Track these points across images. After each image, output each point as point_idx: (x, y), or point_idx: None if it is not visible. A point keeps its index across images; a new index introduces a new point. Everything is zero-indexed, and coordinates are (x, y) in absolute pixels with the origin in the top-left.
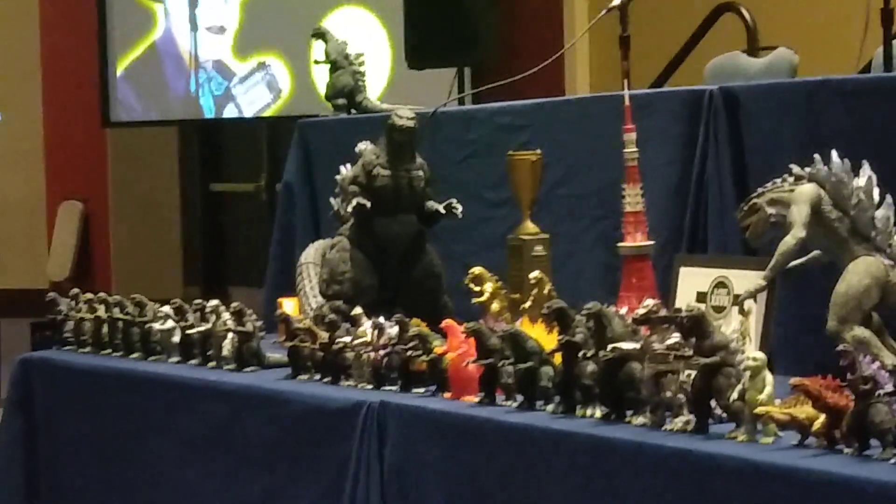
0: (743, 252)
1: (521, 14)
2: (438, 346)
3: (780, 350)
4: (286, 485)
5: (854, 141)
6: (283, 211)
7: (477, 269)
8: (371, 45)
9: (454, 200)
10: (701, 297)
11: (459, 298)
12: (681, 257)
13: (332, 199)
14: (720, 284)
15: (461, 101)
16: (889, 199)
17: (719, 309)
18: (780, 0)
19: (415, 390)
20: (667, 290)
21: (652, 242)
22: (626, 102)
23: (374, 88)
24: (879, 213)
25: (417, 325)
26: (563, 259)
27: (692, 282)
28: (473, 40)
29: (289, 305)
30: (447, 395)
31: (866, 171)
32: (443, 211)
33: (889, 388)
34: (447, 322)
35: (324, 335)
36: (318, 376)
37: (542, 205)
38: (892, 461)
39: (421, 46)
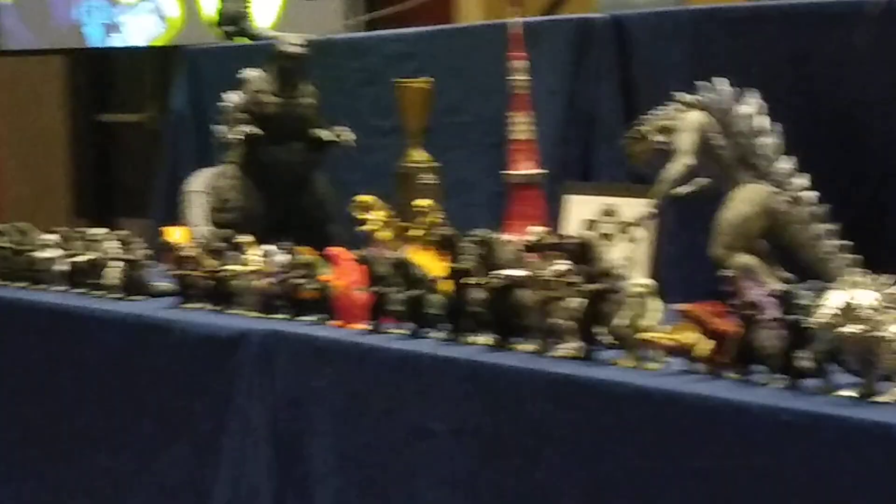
0: (631, 180)
1: None
2: (326, 273)
3: (669, 277)
4: (178, 414)
5: (741, 69)
6: (172, 140)
7: (365, 197)
8: None
9: (344, 128)
10: (589, 224)
11: (350, 227)
12: (569, 185)
13: (218, 127)
14: (608, 212)
15: (351, 29)
16: (774, 126)
17: (607, 236)
18: None
19: (303, 318)
20: (555, 218)
21: (540, 171)
22: (515, 30)
23: (267, 16)
24: (765, 141)
25: (306, 253)
26: (453, 187)
27: (580, 209)
28: None
29: (176, 234)
30: (335, 322)
31: (752, 98)
32: (332, 139)
33: (773, 313)
34: (335, 250)
35: (212, 263)
36: (206, 305)
37: (432, 133)
38: (776, 385)
39: None
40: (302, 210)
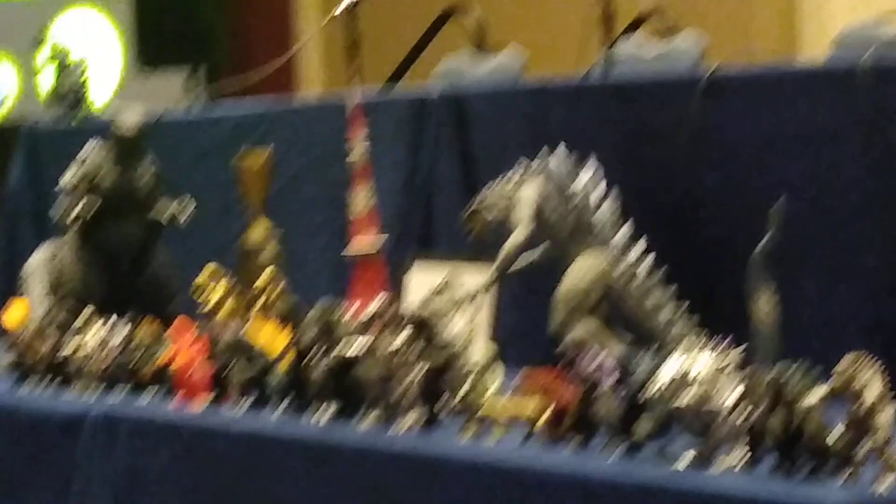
0: (473, 251)
1: (253, 14)
2: (167, 350)
3: (511, 346)
4: (18, 495)
5: (578, 141)
6: (9, 218)
7: (208, 271)
8: (103, 45)
9: (183, 202)
10: (430, 297)
11: (194, 301)
12: (412, 256)
13: (57, 204)
14: (449, 284)
15: (193, 102)
16: (611, 195)
17: (450, 307)
18: (511, 2)
19: (144, 395)
20: (398, 290)
21: (381, 243)
22: (353, 105)
23: (106, 90)
24: (602, 211)
25: (146, 329)
26: (296, 259)
27: (423, 280)
28: (205, 40)
29: (15, 311)
30: (177, 398)
31: (589, 168)
32: (171, 214)
33: (611, 383)
34: (176, 324)
35: (50, 342)
36: (44, 383)
37: (275, 205)
38: (614, 454)
39: (152, 46)
40: (143, 285)
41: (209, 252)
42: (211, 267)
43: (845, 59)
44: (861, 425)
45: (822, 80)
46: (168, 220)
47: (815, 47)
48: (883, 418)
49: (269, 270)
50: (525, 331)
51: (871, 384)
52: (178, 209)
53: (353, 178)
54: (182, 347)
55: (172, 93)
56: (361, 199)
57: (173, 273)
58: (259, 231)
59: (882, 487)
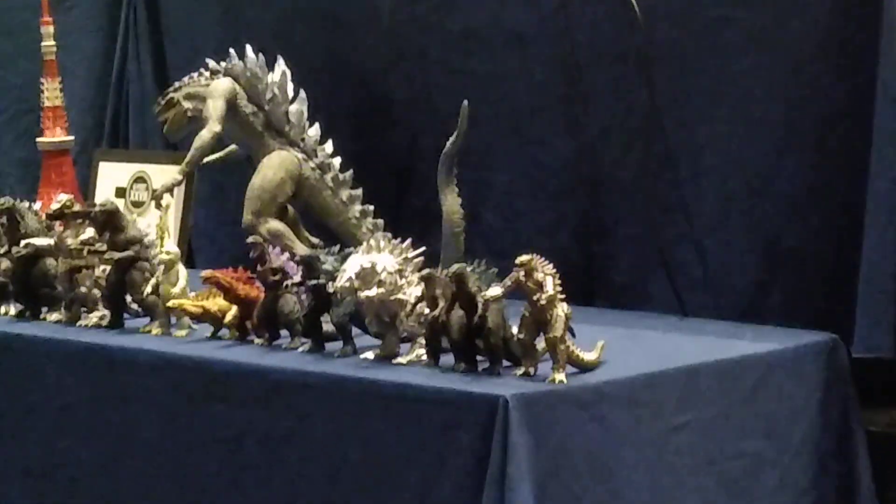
0: (165, 147)
1: None
2: None
3: (200, 244)
4: None
5: (271, 35)
6: None
7: None
8: None
9: None
10: (120, 192)
11: None
12: (100, 152)
13: None
14: (139, 179)
15: None
16: (302, 93)
17: (138, 204)
18: None
19: None
20: (88, 186)
21: (71, 137)
22: None
23: None
24: (293, 108)
25: None
26: None
27: (112, 177)
28: None
29: None
30: None
31: (281, 65)
32: None
33: (297, 278)
34: None
35: None
36: None
37: None
38: (299, 349)
39: None
40: None
41: None
42: None
43: None
44: (539, 318)
45: None
46: None
47: None
48: (557, 313)
49: None
50: (214, 230)
51: (545, 283)
52: None
53: (43, 72)
54: None
55: None
56: (51, 93)
57: None
58: None
59: (557, 381)
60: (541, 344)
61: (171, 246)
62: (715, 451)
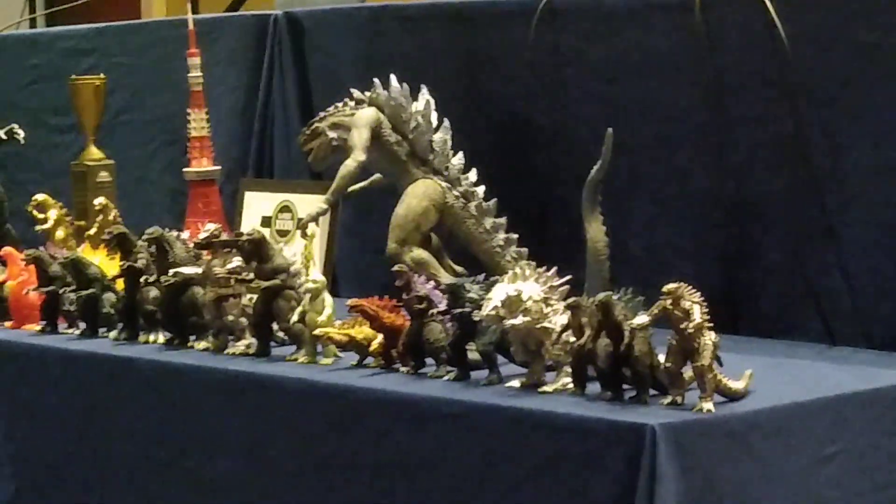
0: (308, 177)
1: None
2: None
3: (344, 273)
4: None
5: (414, 65)
6: None
7: (40, 196)
8: None
9: (15, 126)
10: (266, 221)
11: (25, 226)
12: (246, 182)
13: None
14: (285, 209)
15: (30, 24)
16: (446, 122)
17: (284, 233)
18: None
19: None
20: (234, 216)
21: (217, 167)
22: (190, 27)
23: None
24: (437, 137)
25: None
26: (130, 186)
27: (258, 206)
28: None
29: None
30: (8, 324)
31: (424, 95)
32: (3, 137)
33: (442, 307)
34: (6, 250)
35: None
36: None
37: (108, 131)
38: (445, 378)
39: None
40: None
41: (43, 177)
42: (39, 197)
43: None
44: (686, 346)
45: (655, 8)
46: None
47: None
48: (705, 341)
49: (100, 199)
50: (359, 258)
51: (693, 311)
52: (8, 132)
53: (190, 103)
54: (13, 271)
55: (9, 13)
56: (198, 123)
57: (4, 197)
58: (92, 156)
59: (705, 410)
60: (688, 372)
61: (316, 275)
62: (864, 482)
